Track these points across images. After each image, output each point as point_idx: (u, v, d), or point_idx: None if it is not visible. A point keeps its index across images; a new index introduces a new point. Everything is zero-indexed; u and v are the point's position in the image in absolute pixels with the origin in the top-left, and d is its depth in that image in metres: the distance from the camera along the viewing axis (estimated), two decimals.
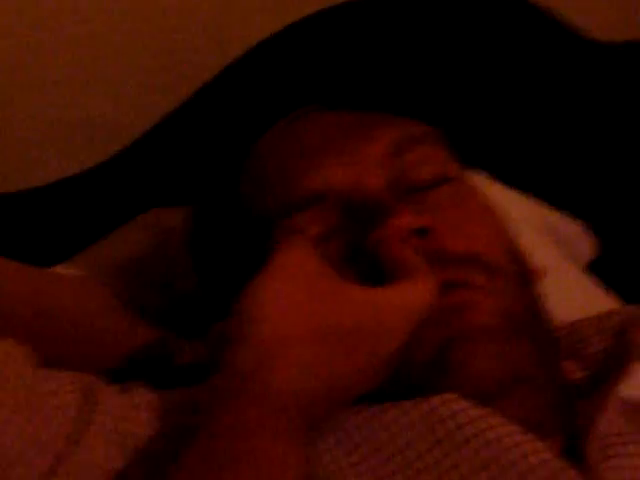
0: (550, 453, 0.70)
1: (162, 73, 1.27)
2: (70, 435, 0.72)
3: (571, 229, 1.23)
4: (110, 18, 1.25)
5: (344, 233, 0.80)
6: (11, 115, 1.22)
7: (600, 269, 1.23)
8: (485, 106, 1.27)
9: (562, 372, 0.85)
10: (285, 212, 0.82)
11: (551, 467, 0.69)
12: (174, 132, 1.24)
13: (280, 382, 0.67)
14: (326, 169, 0.82)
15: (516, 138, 1.27)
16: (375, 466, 0.72)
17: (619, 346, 0.87)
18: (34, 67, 1.23)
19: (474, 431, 0.71)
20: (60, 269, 1.10)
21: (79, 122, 1.24)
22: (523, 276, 0.83)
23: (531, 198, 1.22)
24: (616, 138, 1.30)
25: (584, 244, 1.23)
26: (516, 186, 1.20)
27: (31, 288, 0.92)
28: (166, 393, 0.79)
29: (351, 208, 0.80)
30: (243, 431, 0.64)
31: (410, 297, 0.72)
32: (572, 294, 1.09)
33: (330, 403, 0.70)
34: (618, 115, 1.32)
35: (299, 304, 0.70)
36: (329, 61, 1.24)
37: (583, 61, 1.32)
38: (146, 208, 1.17)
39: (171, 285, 1.05)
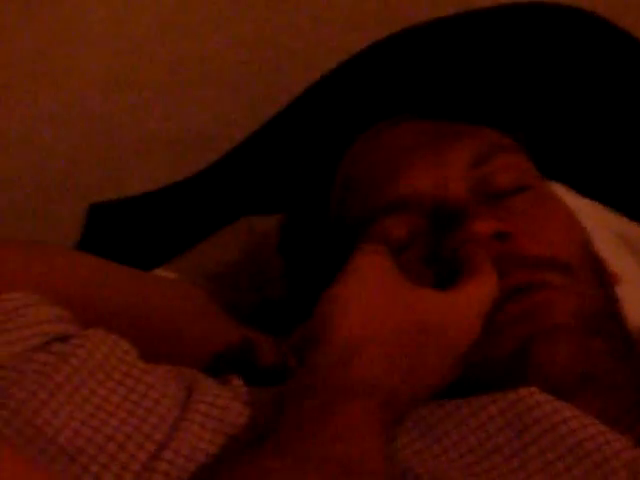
0: (630, 442, 0.73)
1: (255, 87, 1.30)
2: (172, 425, 0.73)
3: None
4: (202, 35, 1.29)
5: (427, 237, 0.83)
6: (115, 128, 1.27)
7: None
8: (562, 118, 1.28)
9: (639, 373, 0.86)
10: (371, 217, 0.85)
11: (633, 454, 0.72)
12: (267, 143, 1.28)
13: (360, 376, 0.69)
14: (412, 176, 0.85)
15: (591, 148, 1.28)
16: (465, 452, 0.75)
17: None
18: (135, 86, 1.27)
19: (559, 419, 0.73)
20: (159, 272, 1.14)
21: (178, 135, 1.28)
22: (600, 279, 0.85)
23: (607, 208, 1.22)
24: None
25: None
26: (591, 197, 1.22)
27: (131, 288, 0.94)
28: (259, 388, 0.80)
29: (434, 213, 0.84)
30: (323, 417, 0.66)
31: (473, 296, 0.75)
32: None
33: (409, 399, 0.72)
34: None
35: (375, 306, 0.73)
36: (416, 74, 1.27)
37: None
38: (239, 216, 1.20)
39: (262, 289, 1.08)
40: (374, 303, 0.73)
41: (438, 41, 1.30)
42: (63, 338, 0.76)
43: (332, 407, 0.67)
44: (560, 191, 0.98)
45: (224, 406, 0.75)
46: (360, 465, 0.65)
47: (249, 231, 1.16)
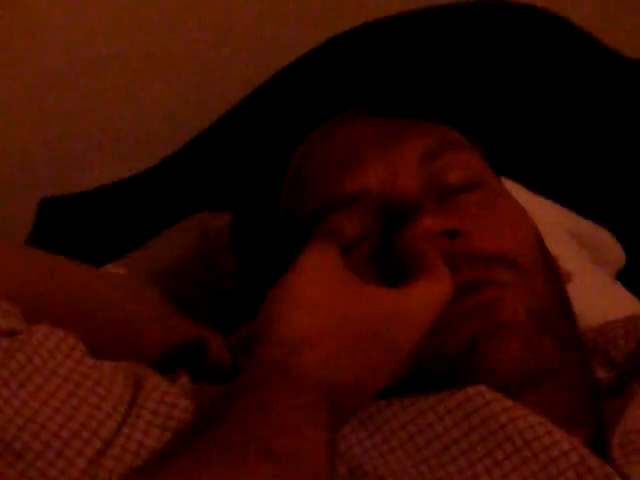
0: (579, 442, 0.73)
1: (207, 83, 1.31)
2: (120, 421, 0.73)
3: (599, 236, 1.23)
4: (154, 32, 1.30)
5: (378, 234, 0.82)
6: (67, 122, 1.26)
7: (626, 277, 1.24)
8: (518, 117, 1.28)
9: (589, 371, 0.87)
10: (322, 214, 0.84)
11: (581, 453, 0.72)
12: (219, 139, 1.27)
13: (304, 372, 0.69)
14: (362, 172, 0.85)
15: (545, 148, 1.28)
16: (412, 451, 0.75)
17: None
18: (89, 80, 1.27)
19: (507, 419, 0.74)
20: (109, 268, 1.13)
21: (130, 130, 1.28)
22: (551, 276, 0.85)
23: (559, 206, 1.23)
24: None
25: (612, 251, 1.23)
26: (544, 194, 1.22)
27: (80, 283, 0.93)
28: (206, 385, 0.80)
29: (385, 210, 0.83)
30: (264, 409, 0.66)
31: (426, 295, 0.75)
32: (599, 298, 1.10)
33: (354, 395, 0.72)
34: None
35: (320, 303, 0.73)
36: (370, 70, 1.27)
37: (612, 76, 1.33)
38: (191, 212, 1.20)
39: (214, 286, 1.08)
40: (319, 300, 0.73)
41: (396, 36, 1.30)
42: (9, 333, 0.76)
43: (275, 401, 0.67)
44: (513, 189, 0.98)
45: (172, 403, 0.75)
46: (300, 457, 0.65)
47: (201, 228, 1.15)
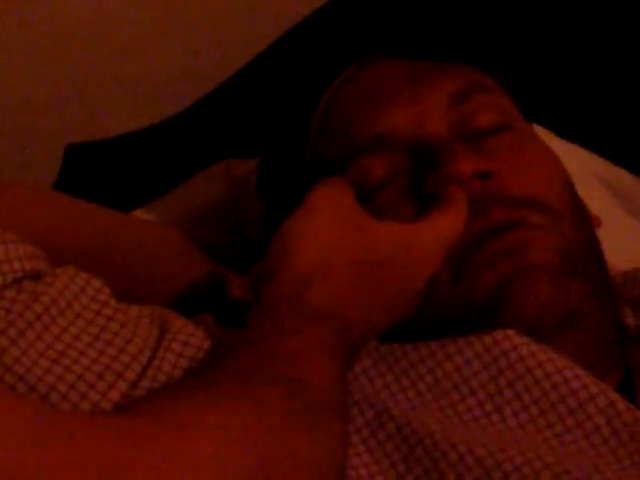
0: (607, 387, 0.72)
1: (235, 28, 1.29)
2: (145, 364, 0.73)
3: (630, 183, 1.23)
4: None
5: (406, 176, 0.82)
6: (93, 69, 1.26)
7: None
8: (550, 60, 1.27)
9: (618, 316, 0.86)
10: (349, 156, 0.84)
11: (610, 397, 0.71)
12: (247, 84, 1.27)
13: (314, 305, 0.69)
14: (391, 114, 0.84)
15: (578, 93, 1.27)
16: (439, 395, 0.74)
17: None
18: (115, 26, 1.26)
19: (534, 363, 0.73)
20: (137, 214, 1.13)
21: (157, 76, 1.27)
22: (580, 221, 0.84)
23: (591, 152, 1.22)
24: None
25: None
26: (576, 141, 1.21)
27: (106, 228, 0.94)
28: (231, 330, 0.79)
29: (414, 152, 0.82)
30: (275, 338, 0.67)
31: (437, 227, 0.75)
32: (629, 244, 1.10)
33: (364, 329, 0.72)
34: None
35: (333, 237, 0.73)
36: (398, 12, 1.26)
37: None
38: (219, 158, 1.19)
39: (241, 231, 1.08)
40: (330, 235, 0.74)
41: None
42: (34, 276, 0.75)
43: (284, 330, 0.67)
44: (544, 135, 0.97)
45: (198, 346, 0.75)
46: (310, 386, 0.65)
47: (228, 173, 1.15)
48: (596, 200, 1.01)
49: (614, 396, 0.72)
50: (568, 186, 0.86)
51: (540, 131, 0.97)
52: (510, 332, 0.75)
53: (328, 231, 0.74)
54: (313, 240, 0.73)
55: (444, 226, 0.75)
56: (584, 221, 0.85)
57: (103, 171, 1.24)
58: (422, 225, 0.75)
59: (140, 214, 1.13)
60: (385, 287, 0.73)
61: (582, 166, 1.15)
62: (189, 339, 0.75)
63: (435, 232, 0.75)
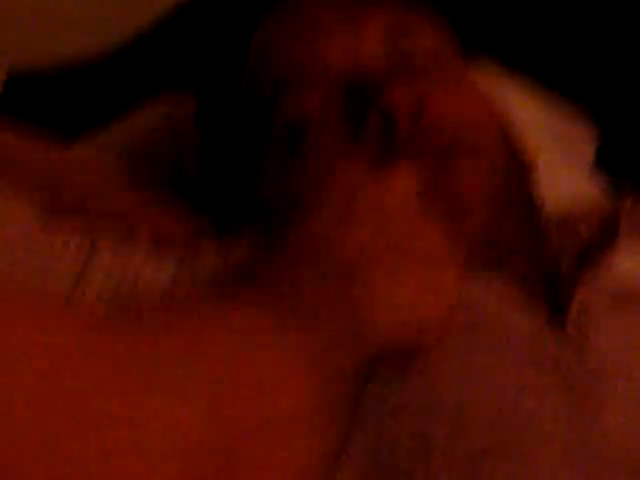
0: (534, 317, 0.73)
1: None
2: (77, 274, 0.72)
3: (574, 129, 1.23)
4: None
5: (345, 111, 0.81)
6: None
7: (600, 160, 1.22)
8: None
9: (551, 254, 0.87)
10: (284, 87, 0.84)
11: (534, 325, 0.72)
12: (188, 18, 1.26)
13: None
14: (325, 49, 0.83)
15: (518, 21, 1.27)
16: None
17: (605, 234, 0.90)
18: None
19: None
20: (77, 148, 1.11)
21: (97, 10, 1.27)
22: (514, 162, 0.85)
23: (532, 95, 1.22)
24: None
25: (587, 145, 1.24)
26: (518, 69, 1.20)
27: (42, 163, 0.92)
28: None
29: (350, 86, 0.82)
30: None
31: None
32: (569, 188, 1.10)
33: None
34: None
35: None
36: None
37: None
38: (160, 91, 1.18)
39: (180, 165, 1.07)
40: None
41: None
42: None
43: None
44: (487, 77, 0.97)
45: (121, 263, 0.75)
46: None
47: (170, 107, 1.14)
48: (536, 143, 1.01)
49: (539, 324, 0.72)
50: (502, 125, 0.86)
51: (485, 72, 0.97)
52: None
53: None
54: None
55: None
56: (517, 164, 0.86)
57: (43, 103, 1.22)
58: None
59: (80, 148, 1.12)
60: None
61: (523, 108, 1.15)
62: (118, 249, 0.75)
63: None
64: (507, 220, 0.80)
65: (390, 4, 0.87)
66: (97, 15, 1.28)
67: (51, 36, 1.25)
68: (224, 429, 0.47)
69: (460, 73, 0.88)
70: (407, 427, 0.65)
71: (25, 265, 0.73)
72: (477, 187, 0.79)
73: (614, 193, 1.06)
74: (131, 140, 1.13)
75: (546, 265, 0.86)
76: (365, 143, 0.79)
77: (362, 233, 0.64)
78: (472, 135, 0.81)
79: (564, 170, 1.15)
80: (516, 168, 0.85)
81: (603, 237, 0.89)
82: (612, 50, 1.26)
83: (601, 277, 0.82)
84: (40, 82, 1.22)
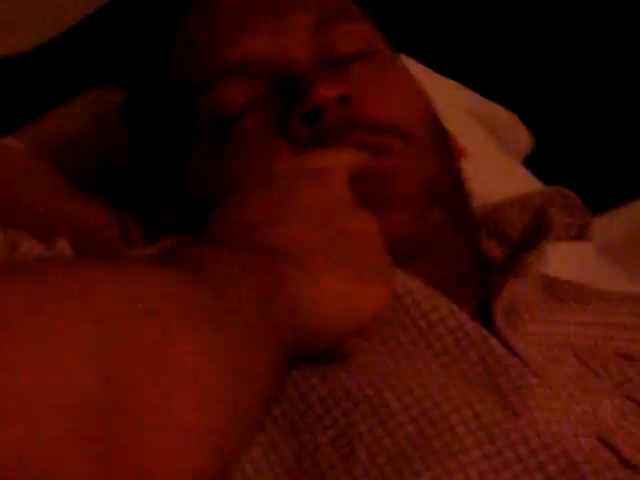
0: (457, 309, 0.71)
1: None
2: None
3: (503, 118, 1.23)
4: None
5: (268, 103, 0.81)
6: None
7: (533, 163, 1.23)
8: None
9: (479, 246, 0.87)
10: (210, 81, 0.83)
11: (459, 318, 0.70)
12: (116, 11, 1.25)
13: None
14: (250, 38, 0.83)
15: (450, 25, 1.27)
16: None
17: (537, 225, 0.89)
18: None
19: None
20: (5, 141, 1.10)
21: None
22: (444, 151, 0.84)
23: (462, 86, 1.22)
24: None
25: (517, 133, 1.24)
26: (450, 75, 1.21)
27: None
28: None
29: (275, 79, 0.81)
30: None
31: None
32: (498, 178, 1.11)
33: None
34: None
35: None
36: None
37: None
38: (89, 87, 1.17)
39: (107, 160, 1.06)
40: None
41: None
42: None
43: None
44: (414, 67, 0.96)
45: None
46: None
47: (98, 102, 1.13)
48: (468, 134, 1.02)
49: (464, 317, 0.71)
50: (432, 116, 0.86)
51: (411, 64, 0.96)
52: None
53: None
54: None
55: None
56: (448, 152, 0.85)
57: None
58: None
59: (8, 142, 1.10)
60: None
61: (451, 99, 1.15)
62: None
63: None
64: (438, 206, 0.80)
65: None
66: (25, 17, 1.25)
67: None
68: (113, 382, 0.44)
69: (389, 61, 0.87)
70: (330, 419, 0.64)
71: None
72: (409, 173, 0.78)
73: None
74: (59, 133, 1.12)
75: (477, 253, 0.86)
76: (293, 133, 0.78)
77: (291, 223, 0.63)
78: (403, 122, 0.81)
79: (496, 157, 1.16)
80: (447, 154, 0.85)
81: (536, 226, 0.89)
82: (541, 55, 1.27)
83: (532, 267, 0.81)
84: None
